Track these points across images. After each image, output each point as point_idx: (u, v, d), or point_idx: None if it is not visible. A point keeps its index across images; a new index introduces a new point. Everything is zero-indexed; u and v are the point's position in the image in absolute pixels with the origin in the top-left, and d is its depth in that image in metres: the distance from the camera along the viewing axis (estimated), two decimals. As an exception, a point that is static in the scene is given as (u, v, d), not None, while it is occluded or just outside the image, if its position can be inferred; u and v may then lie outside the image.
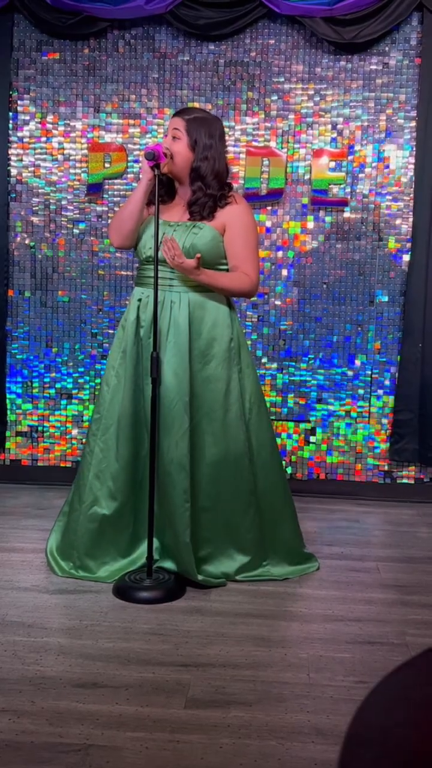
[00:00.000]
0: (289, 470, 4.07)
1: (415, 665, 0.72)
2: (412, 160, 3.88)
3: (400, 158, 3.91)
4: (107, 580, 2.81)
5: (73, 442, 4.12)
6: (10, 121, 4.00)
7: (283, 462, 3.72)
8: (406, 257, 3.92)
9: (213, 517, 2.81)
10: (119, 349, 2.85)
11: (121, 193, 3.97)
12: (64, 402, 4.12)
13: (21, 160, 4.03)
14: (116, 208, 3.91)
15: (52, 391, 4.13)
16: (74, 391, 4.11)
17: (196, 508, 2.78)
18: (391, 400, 4.00)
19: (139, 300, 2.81)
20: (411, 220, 3.89)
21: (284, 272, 4.00)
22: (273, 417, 4.05)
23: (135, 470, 2.85)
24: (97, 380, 4.04)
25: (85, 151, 3.99)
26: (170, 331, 2.75)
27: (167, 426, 2.74)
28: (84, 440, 3.11)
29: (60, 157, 4.02)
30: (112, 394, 2.83)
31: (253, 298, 3.98)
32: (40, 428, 4.14)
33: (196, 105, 3.93)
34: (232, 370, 2.81)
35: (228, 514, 2.82)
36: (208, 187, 2.75)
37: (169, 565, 2.84)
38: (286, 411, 4.06)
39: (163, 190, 2.79)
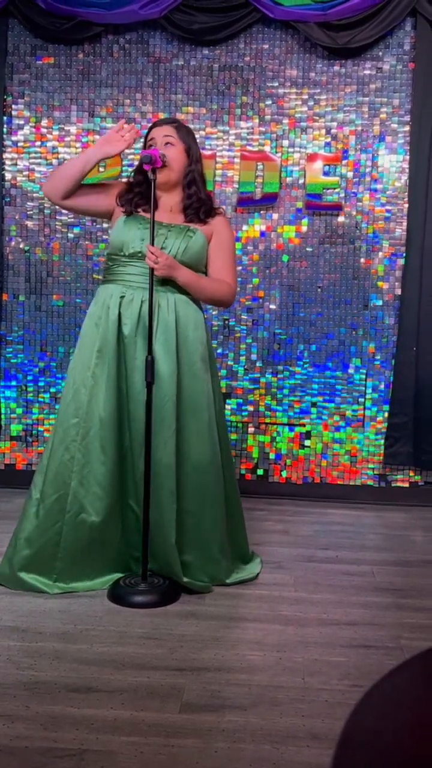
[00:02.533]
0: (284, 474, 4.08)
1: (409, 668, 0.72)
2: (406, 164, 3.89)
3: (394, 162, 3.92)
4: (97, 588, 2.79)
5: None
6: (5, 126, 4.00)
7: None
8: (401, 261, 3.93)
9: (197, 521, 2.79)
10: (93, 348, 2.76)
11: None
12: (58, 406, 4.10)
13: (15, 165, 4.04)
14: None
15: (47, 395, 4.12)
16: (69, 395, 4.10)
17: (181, 511, 2.76)
18: (385, 404, 4.01)
19: (122, 297, 2.75)
20: (405, 224, 3.90)
21: (279, 276, 4.00)
22: (268, 421, 4.06)
23: (120, 473, 2.81)
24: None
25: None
26: (158, 330, 2.73)
27: (156, 426, 2.72)
28: (47, 445, 2.88)
29: (54, 161, 4.02)
30: (90, 395, 2.75)
31: (248, 302, 4.00)
32: (34, 432, 4.14)
33: (190, 110, 3.95)
34: (207, 373, 2.83)
35: (211, 516, 2.81)
36: (200, 191, 2.84)
37: (154, 567, 2.81)
38: (280, 415, 4.06)
39: (143, 200, 2.81)
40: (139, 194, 2.82)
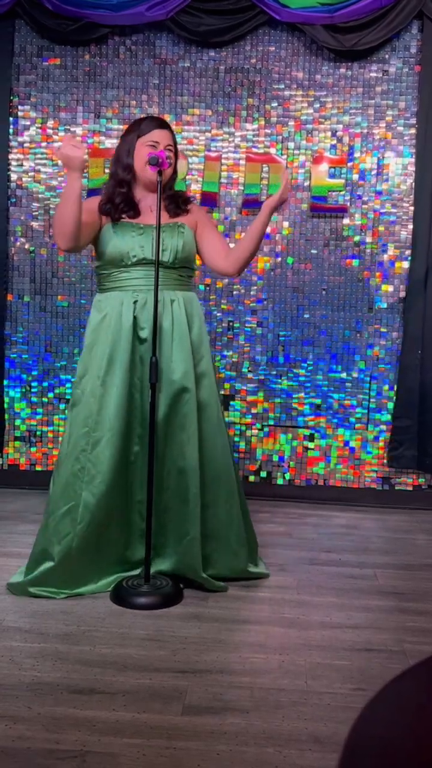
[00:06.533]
0: (287, 476, 4.07)
1: (413, 674, 0.72)
2: (412, 167, 3.89)
3: (400, 165, 3.92)
4: (101, 590, 2.79)
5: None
6: (11, 126, 4.01)
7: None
8: (405, 264, 3.93)
9: (213, 513, 2.81)
10: (103, 355, 2.72)
11: (121, 198, 3.97)
12: (62, 407, 4.12)
13: (21, 165, 4.04)
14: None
15: (51, 395, 4.12)
16: (73, 396, 4.10)
17: (201, 506, 2.78)
18: (389, 406, 4.00)
19: (135, 302, 2.73)
20: (410, 227, 3.90)
21: (283, 278, 4.00)
22: (272, 423, 4.06)
23: (126, 481, 2.81)
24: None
25: (86, 157, 3.99)
26: (174, 329, 2.75)
27: (181, 424, 2.74)
28: (58, 454, 2.86)
29: (60, 162, 4.01)
30: (100, 404, 2.72)
31: (252, 304, 4.00)
32: (38, 433, 4.14)
33: (196, 112, 3.95)
34: (211, 366, 2.86)
35: (226, 510, 2.83)
36: (172, 190, 2.90)
37: (167, 566, 2.82)
38: (284, 417, 4.06)
39: (128, 206, 2.80)
40: (123, 201, 2.79)
